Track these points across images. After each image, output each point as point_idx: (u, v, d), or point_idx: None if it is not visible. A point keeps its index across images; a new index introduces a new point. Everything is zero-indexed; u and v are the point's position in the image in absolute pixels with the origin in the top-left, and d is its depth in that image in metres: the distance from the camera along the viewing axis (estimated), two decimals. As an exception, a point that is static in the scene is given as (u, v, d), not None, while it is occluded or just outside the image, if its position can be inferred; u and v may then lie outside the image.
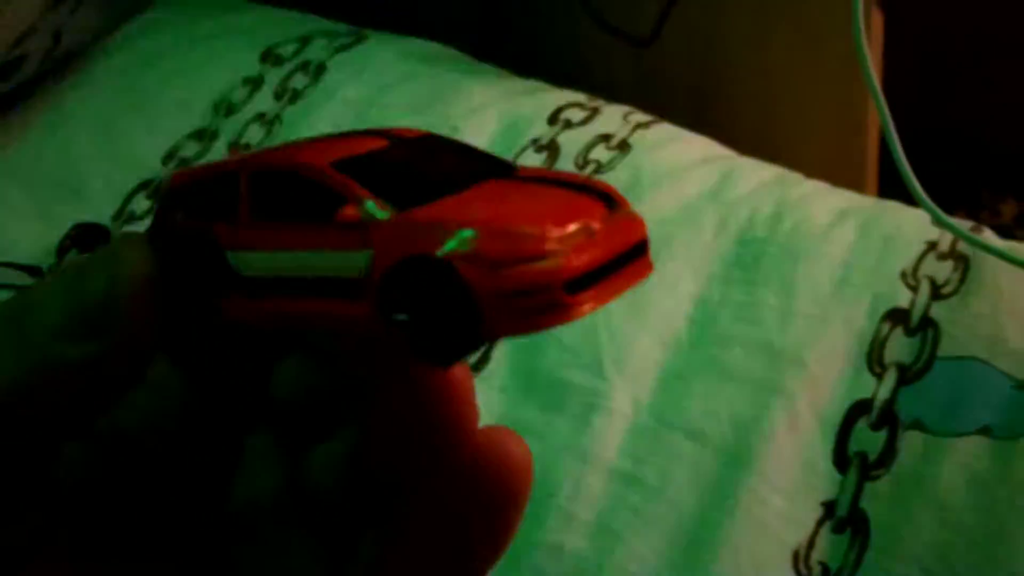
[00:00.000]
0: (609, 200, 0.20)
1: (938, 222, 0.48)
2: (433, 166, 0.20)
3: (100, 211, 0.61)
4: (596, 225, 0.18)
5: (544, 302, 0.17)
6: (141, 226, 0.60)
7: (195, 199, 0.21)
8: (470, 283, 0.17)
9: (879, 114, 0.50)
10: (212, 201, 0.20)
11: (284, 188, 0.19)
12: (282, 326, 0.20)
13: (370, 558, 0.20)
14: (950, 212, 0.48)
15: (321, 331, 0.21)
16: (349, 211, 0.18)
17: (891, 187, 0.55)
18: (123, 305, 0.18)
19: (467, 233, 0.17)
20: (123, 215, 0.61)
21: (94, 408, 0.19)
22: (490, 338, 0.18)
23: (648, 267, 0.20)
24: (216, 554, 0.20)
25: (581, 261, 0.18)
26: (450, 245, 0.17)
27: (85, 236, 0.59)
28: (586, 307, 0.18)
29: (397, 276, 0.18)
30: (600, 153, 0.57)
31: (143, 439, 0.20)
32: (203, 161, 0.62)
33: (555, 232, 0.18)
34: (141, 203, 0.61)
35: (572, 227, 0.18)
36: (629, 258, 0.19)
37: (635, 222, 0.20)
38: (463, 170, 0.20)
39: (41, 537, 0.19)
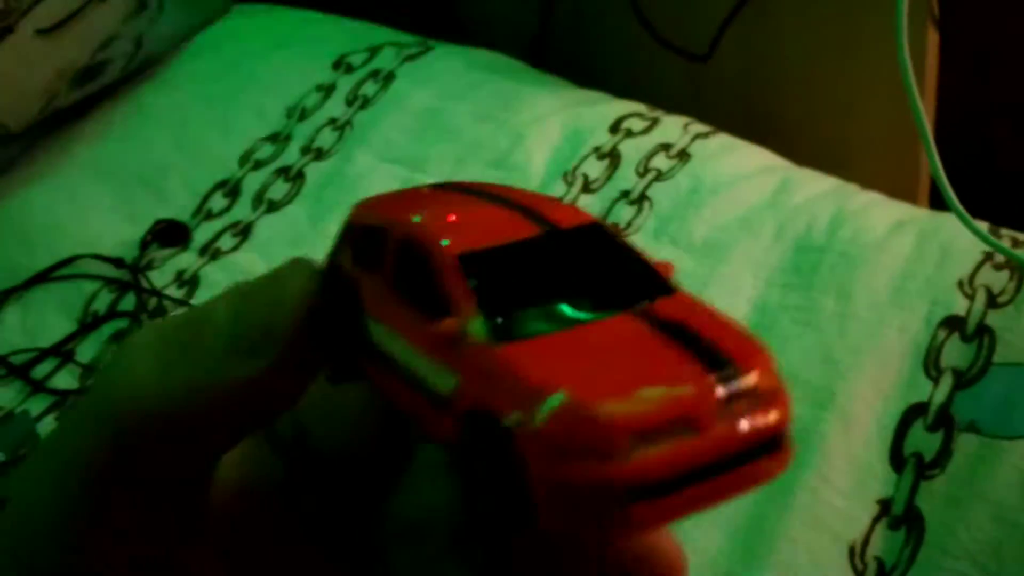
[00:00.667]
0: (736, 391, 0.15)
1: (997, 231, 0.49)
2: (571, 279, 0.18)
3: (179, 208, 0.64)
4: (703, 418, 0.15)
5: (601, 508, 0.15)
6: (219, 224, 0.62)
7: (361, 243, 0.20)
8: (527, 464, 0.15)
9: (920, 133, 0.51)
10: (371, 252, 0.19)
11: (418, 266, 0.18)
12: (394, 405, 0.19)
13: None
14: (1010, 225, 0.49)
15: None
16: (449, 324, 0.17)
17: (943, 204, 0.56)
18: (284, 327, 0.18)
19: (552, 402, 0.15)
20: (201, 212, 0.64)
21: (258, 422, 0.19)
22: (546, 527, 0.15)
23: (780, 465, 0.16)
24: (374, 559, 0.20)
25: (656, 468, 0.15)
26: (527, 412, 0.15)
27: (166, 232, 0.62)
28: (653, 522, 0.15)
29: (469, 425, 0.16)
30: (660, 162, 0.59)
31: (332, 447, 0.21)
32: (277, 164, 0.65)
33: (634, 424, 0.14)
34: (218, 201, 0.64)
35: (661, 419, 0.15)
36: (748, 457, 0.15)
37: (771, 411, 0.16)
38: (602, 290, 0.18)
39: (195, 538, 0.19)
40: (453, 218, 0.19)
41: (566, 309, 0.17)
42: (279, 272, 0.19)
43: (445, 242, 0.18)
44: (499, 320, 0.17)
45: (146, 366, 0.18)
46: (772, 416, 0.16)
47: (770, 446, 0.16)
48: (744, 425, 0.15)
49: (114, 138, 0.69)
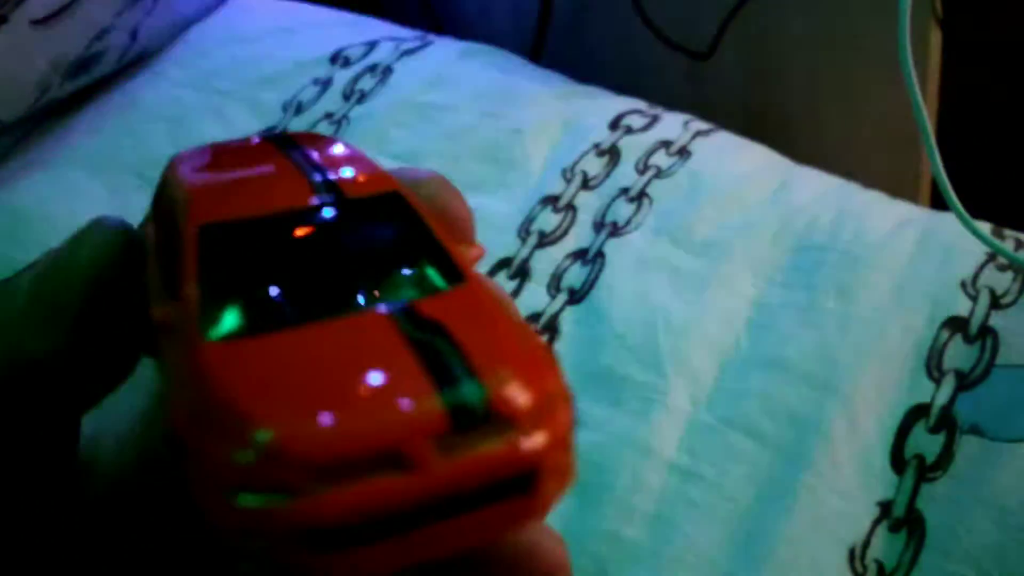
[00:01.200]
0: (474, 415, 0.13)
1: (1000, 233, 0.48)
2: (332, 263, 0.15)
3: (173, 201, 0.63)
4: (417, 451, 0.12)
5: (278, 552, 0.12)
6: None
7: (159, 204, 0.18)
8: (202, 507, 0.13)
9: (922, 132, 0.51)
10: (162, 215, 0.17)
11: (174, 235, 0.16)
12: None
13: None
14: (1013, 226, 0.48)
15: None
16: (159, 310, 0.15)
17: (945, 203, 0.55)
18: (71, 302, 0.16)
19: (256, 442, 0.12)
20: (195, 206, 0.63)
21: (75, 403, 0.18)
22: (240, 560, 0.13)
23: (528, 510, 0.13)
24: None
25: (346, 509, 0.12)
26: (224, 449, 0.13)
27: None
28: (346, 570, 0.12)
29: (168, 446, 0.14)
30: (660, 159, 0.58)
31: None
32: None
33: (318, 456, 0.12)
34: (212, 195, 0.63)
35: (356, 452, 0.12)
36: (486, 499, 0.13)
37: (523, 442, 0.13)
38: (365, 278, 0.15)
39: None
40: (226, 180, 0.17)
41: (307, 300, 0.14)
42: (77, 236, 0.17)
43: (198, 211, 0.16)
44: (218, 310, 0.14)
45: None
46: (523, 448, 0.13)
47: (520, 485, 0.13)
48: (476, 462, 0.12)
49: (108, 130, 0.68)
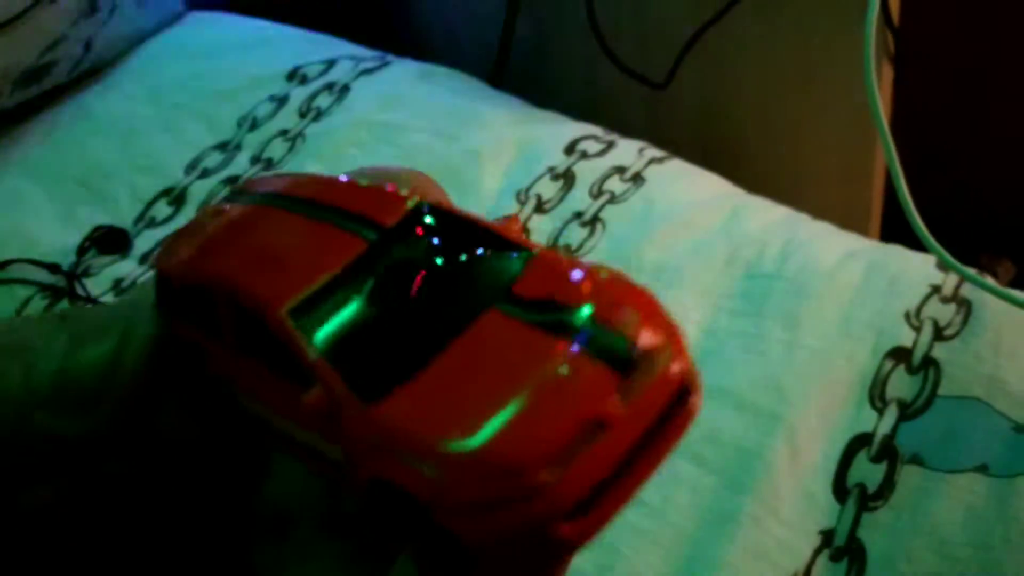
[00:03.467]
0: (628, 360, 0.14)
1: (944, 265, 0.49)
2: (420, 288, 0.16)
3: (121, 215, 0.62)
4: (609, 411, 0.14)
5: (544, 543, 0.14)
6: (162, 232, 0.61)
7: (187, 300, 0.18)
8: (452, 530, 0.14)
9: (888, 160, 0.52)
10: (202, 311, 0.18)
11: (254, 326, 0.16)
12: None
13: None
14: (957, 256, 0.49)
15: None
16: (315, 398, 0.15)
17: (893, 237, 0.56)
18: (117, 393, 0.17)
19: (447, 456, 0.14)
20: (144, 220, 0.62)
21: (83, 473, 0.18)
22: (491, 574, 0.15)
23: (689, 415, 0.15)
24: (237, 557, 0.19)
25: (581, 484, 0.14)
26: (421, 469, 0.14)
27: (106, 238, 0.60)
28: (596, 527, 0.14)
29: (376, 499, 0.15)
30: (615, 184, 0.59)
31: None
32: (225, 173, 0.64)
33: (544, 459, 0.13)
34: (162, 209, 0.62)
35: (567, 442, 0.14)
36: (663, 419, 0.15)
37: (672, 364, 0.15)
38: (457, 287, 0.16)
39: None
40: (269, 257, 0.17)
41: (425, 334, 0.15)
42: (113, 326, 0.18)
43: (270, 297, 0.16)
44: (361, 378, 0.15)
45: None
46: (674, 369, 0.15)
47: (680, 399, 0.15)
48: (651, 395, 0.15)
49: (57, 141, 0.67)
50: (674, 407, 0.15)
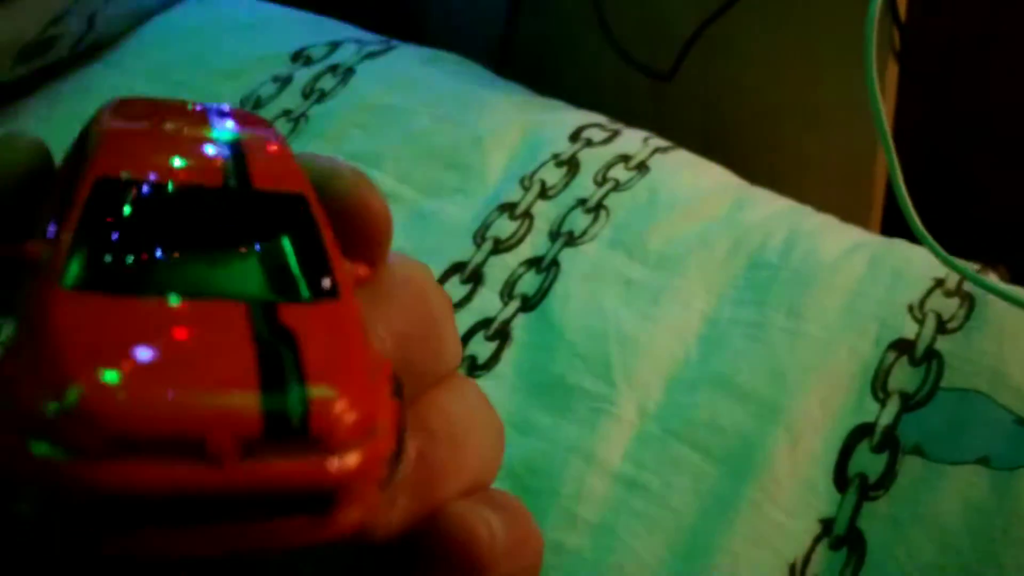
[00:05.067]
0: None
1: (943, 261, 0.49)
2: (217, 248, 0.15)
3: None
4: (223, 447, 0.12)
5: (65, 510, 0.12)
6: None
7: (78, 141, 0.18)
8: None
9: (888, 160, 0.52)
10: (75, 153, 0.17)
11: (76, 175, 0.16)
12: None
13: None
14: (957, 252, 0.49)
15: None
16: (31, 245, 0.14)
17: (894, 233, 0.56)
18: None
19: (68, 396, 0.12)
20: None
21: None
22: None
23: (320, 530, 0.13)
24: None
25: (125, 480, 0.12)
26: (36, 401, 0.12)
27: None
28: (122, 549, 0.12)
29: None
30: (619, 172, 0.58)
31: None
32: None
33: (119, 425, 0.12)
34: (163, 187, 0.62)
35: (159, 432, 0.12)
36: (280, 510, 0.13)
37: (330, 462, 0.13)
38: (245, 271, 0.15)
39: None
40: (143, 138, 0.17)
41: (174, 274, 0.14)
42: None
43: (102, 161, 0.15)
44: (83, 260, 0.14)
45: None
46: (326, 470, 0.13)
47: (317, 504, 0.13)
48: (274, 472, 0.12)
49: (59, 118, 0.66)
50: (310, 507, 0.13)
